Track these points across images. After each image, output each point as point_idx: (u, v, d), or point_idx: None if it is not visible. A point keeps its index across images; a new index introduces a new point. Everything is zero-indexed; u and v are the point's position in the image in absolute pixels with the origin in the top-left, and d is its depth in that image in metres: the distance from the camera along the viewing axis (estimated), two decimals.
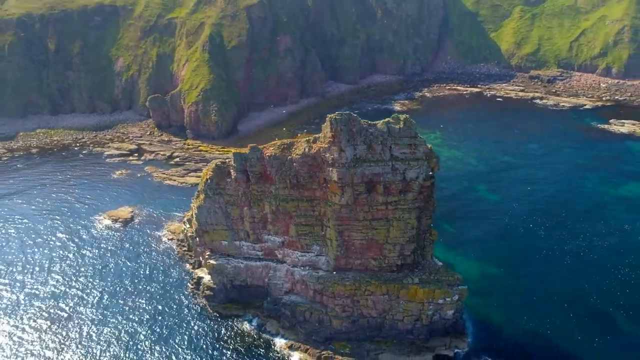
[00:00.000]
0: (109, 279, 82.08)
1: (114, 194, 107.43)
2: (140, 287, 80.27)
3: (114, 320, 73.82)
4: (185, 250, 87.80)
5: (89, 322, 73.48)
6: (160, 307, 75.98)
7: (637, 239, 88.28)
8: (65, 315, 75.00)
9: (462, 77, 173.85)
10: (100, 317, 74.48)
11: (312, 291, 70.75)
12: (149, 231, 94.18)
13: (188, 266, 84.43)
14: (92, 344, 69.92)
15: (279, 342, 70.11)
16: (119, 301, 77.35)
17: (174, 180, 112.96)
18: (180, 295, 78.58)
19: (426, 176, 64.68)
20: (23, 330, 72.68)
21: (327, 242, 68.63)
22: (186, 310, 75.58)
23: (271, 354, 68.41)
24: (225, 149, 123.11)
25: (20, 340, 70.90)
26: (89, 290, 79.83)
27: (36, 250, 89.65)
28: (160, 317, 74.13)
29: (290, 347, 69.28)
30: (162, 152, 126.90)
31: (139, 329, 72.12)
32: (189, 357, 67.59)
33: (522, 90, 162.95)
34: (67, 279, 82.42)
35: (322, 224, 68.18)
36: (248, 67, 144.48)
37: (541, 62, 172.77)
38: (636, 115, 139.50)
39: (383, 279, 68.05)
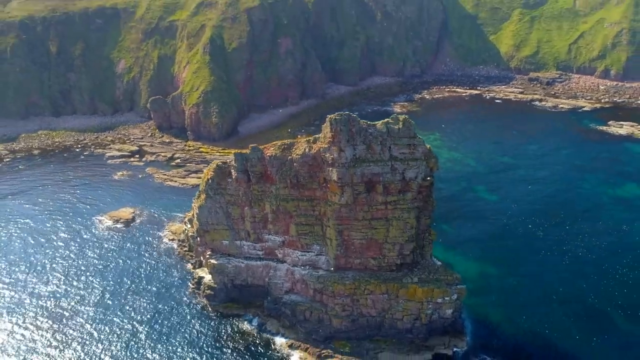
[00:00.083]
0: (110, 279, 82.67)
1: (115, 194, 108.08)
2: (142, 286, 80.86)
3: (115, 319, 74.38)
4: (186, 251, 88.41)
5: (90, 321, 74.04)
6: (161, 307, 76.54)
7: (634, 239, 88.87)
8: (67, 314, 75.56)
9: (462, 79, 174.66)
10: (101, 316, 75.05)
11: (312, 290, 71.32)
12: (150, 231, 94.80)
13: (189, 266, 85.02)
14: (93, 342, 70.45)
15: (279, 341, 70.61)
16: (121, 300, 77.92)
17: (175, 182, 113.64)
18: (181, 294, 79.15)
19: (425, 176, 65.35)
20: (26, 328, 73.24)
21: (327, 242, 69.24)
22: (187, 310, 76.14)
23: (271, 353, 68.91)
24: (226, 151, 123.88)
25: (23, 339, 71.48)
26: (90, 290, 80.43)
27: (38, 250, 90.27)
28: (161, 316, 74.68)
29: (291, 346, 69.77)
30: (163, 154, 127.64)
31: (140, 328, 72.67)
32: (190, 356, 68.09)
33: (521, 92, 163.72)
34: (68, 278, 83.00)
35: (322, 223, 68.80)
36: (249, 69, 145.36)
37: (540, 64, 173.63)
38: (634, 117, 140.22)
39: (382, 278, 68.62)
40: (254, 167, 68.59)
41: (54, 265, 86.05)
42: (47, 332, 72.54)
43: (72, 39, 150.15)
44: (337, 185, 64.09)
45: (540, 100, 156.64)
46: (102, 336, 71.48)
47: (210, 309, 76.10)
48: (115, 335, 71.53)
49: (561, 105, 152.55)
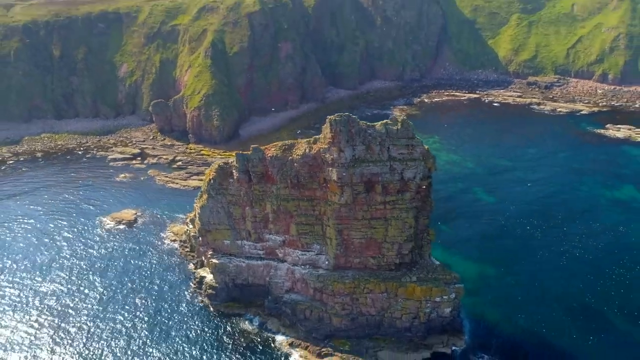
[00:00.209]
0: (112, 278, 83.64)
1: (118, 196, 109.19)
2: (144, 286, 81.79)
3: (117, 318, 75.28)
4: (187, 251, 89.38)
5: (92, 320, 74.93)
6: (163, 306, 77.45)
7: (631, 240, 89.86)
8: (69, 312, 76.50)
9: (461, 83, 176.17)
10: (103, 314, 75.96)
11: (312, 289, 72.24)
12: (152, 232, 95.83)
13: (191, 266, 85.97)
14: (96, 340, 71.34)
15: (280, 340, 71.42)
16: (123, 299, 78.84)
17: (177, 184, 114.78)
18: (183, 294, 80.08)
19: (423, 176, 66.44)
20: (30, 325, 74.20)
21: (327, 241, 70.23)
22: (189, 309, 77.04)
23: (272, 352, 69.69)
24: (227, 153, 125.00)
25: (27, 335, 72.39)
26: (92, 289, 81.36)
27: (42, 249, 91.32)
28: (163, 316, 75.56)
29: (291, 345, 70.54)
30: (164, 156, 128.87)
31: (142, 327, 73.55)
32: (191, 355, 68.91)
33: (519, 96, 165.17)
34: (71, 277, 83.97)
35: (322, 223, 69.84)
36: (249, 72, 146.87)
37: (538, 68, 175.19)
38: (632, 121, 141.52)
39: (382, 278, 69.57)
40: (255, 168, 69.74)
41: (57, 265, 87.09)
42: (50, 329, 73.49)
43: (75, 43, 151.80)
44: (337, 185, 65.19)
45: (539, 104, 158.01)
46: (104, 334, 72.37)
47: (211, 309, 77.01)
48: (117, 334, 72.41)
49: (559, 109, 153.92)
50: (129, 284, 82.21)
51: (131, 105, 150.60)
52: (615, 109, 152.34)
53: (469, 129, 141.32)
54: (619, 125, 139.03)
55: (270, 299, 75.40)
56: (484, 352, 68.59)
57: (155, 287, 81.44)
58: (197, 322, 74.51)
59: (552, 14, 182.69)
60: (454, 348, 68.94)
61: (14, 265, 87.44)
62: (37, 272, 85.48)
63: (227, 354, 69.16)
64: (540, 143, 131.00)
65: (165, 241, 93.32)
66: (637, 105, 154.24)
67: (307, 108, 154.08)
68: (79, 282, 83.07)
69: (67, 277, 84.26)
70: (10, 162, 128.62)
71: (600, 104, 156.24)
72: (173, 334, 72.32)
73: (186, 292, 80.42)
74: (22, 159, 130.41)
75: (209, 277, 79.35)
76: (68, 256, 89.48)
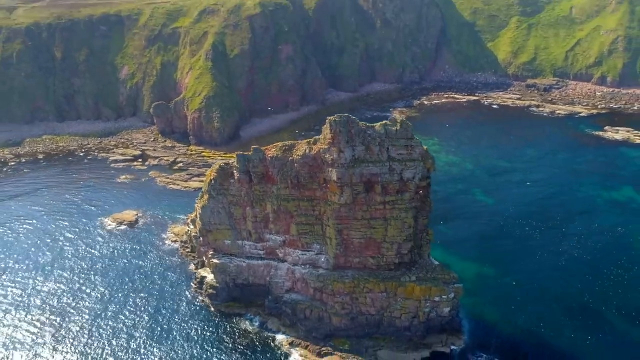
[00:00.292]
0: (113, 278, 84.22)
1: (119, 197, 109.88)
2: (144, 286, 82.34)
3: (118, 317, 75.79)
4: (188, 252, 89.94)
5: (92, 319, 75.44)
6: (164, 306, 77.97)
7: (629, 240, 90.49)
8: (70, 312, 77.04)
9: (460, 86, 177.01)
10: (104, 314, 76.47)
11: (312, 289, 72.77)
12: (153, 233, 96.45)
13: (191, 266, 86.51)
14: (97, 340, 71.84)
15: (280, 339, 71.86)
16: (124, 299, 79.39)
17: (178, 185, 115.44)
18: (184, 294, 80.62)
19: (422, 176, 67.08)
20: (32, 324, 74.72)
21: (327, 241, 70.81)
22: (189, 309, 77.53)
23: (272, 351, 70.15)
24: (228, 155, 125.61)
25: (29, 334, 72.93)
26: (93, 289, 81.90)
27: (44, 249, 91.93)
28: (163, 315, 76.08)
29: (291, 344, 70.96)
30: (165, 158, 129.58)
31: (142, 327, 74.06)
32: (192, 355, 69.35)
33: (518, 99, 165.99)
34: (73, 277, 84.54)
35: (322, 223, 70.43)
36: (250, 75, 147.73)
37: (537, 71, 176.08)
38: (630, 123, 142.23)
39: (381, 277, 70.11)
40: (256, 168, 70.40)
41: (59, 264, 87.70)
42: (52, 328, 74.04)
43: (77, 45, 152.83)
44: (337, 185, 65.82)
45: (538, 106, 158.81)
46: (105, 334, 72.88)
47: (212, 308, 77.52)
48: (118, 333, 72.91)
49: (558, 111, 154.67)
50: (130, 284, 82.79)
51: (132, 107, 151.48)
52: (614, 111, 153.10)
53: (468, 131, 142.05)
54: (617, 127, 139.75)
55: (270, 299, 75.92)
56: (483, 351, 69.06)
57: (156, 287, 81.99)
58: (197, 322, 75.02)
59: (551, 17, 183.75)
60: (452, 347, 69.41)
61: (16, 265, 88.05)
62: (39, 272, 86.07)
63: (228, 353, 69.65)
64: (539, 145, 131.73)
65: (166, 242, 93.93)
66: (635, 108, 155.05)
67: (307, 110, 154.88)
68: (81, 281, 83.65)
69: (68, 276, 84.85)
70: (12, 163, 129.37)
71: (598, 106, 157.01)
72: (174, 333, 72.82)
73: (187, 292, 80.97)
74: (23, 160, 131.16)
75: (210, 277, 79.90)
76: (69, 256, 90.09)
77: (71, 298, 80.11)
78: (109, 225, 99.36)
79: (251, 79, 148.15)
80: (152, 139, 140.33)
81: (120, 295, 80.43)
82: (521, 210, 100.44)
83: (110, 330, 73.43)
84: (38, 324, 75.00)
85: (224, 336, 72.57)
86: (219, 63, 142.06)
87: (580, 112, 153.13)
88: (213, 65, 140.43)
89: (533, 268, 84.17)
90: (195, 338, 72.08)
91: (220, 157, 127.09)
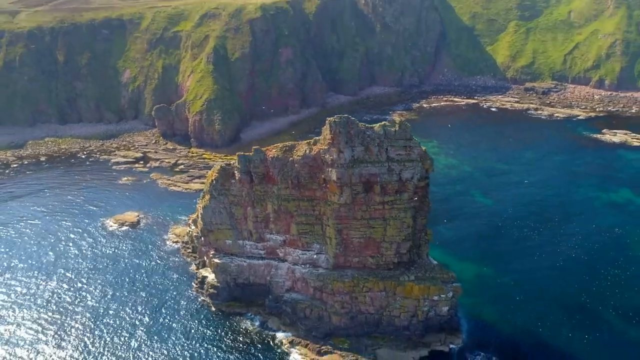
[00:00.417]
0: (115, 278, 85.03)
1: (121, 198, 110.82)
2: (146, 286, 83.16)
3: (120, 317, 76.57)
4: (189, 252, 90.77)
5: (95, 319, 76.22)
6: (165, 305, 78.74)
7: (626, 241, 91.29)
8: (73, 310, 77.85)
9: (459, 89, 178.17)
10: (105, 313, 77.25)
11: (312, 288, 73.55)
12: (154, 234, 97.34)
13: (192, 267, 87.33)
14: (98, 338, 72.60)
15: (280, 338, 72.57)
16: (125, 299, 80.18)
17: (179, 187, 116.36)
18: (185, 293, 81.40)
19: (421, 177, 67.99)
20: (35, 322, 75.53)
21: (327, 241, 71.64)
22: (190, 308, 78.29)
23: (272, 350, 70.86)
24: (228, 157, 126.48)
25: (32, 331, 73.71)
26: (95, 289, 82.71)
27: (46, 249, 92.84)
28: (165, 315, 76.83)
29: (291, 343, 71.68)
30: (167, 160, 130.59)
31: (144, 326, 74.80)
32: (193, 354, 70.05)
33: (517, 102, 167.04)
34: (75, 277, 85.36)
35: (322, 222, 71.29)
36: (251, 78, 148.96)
37: (536, 74, 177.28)
38: (628, 126, 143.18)
39: (380, 276, 70.92)
40: (257, 168, 71.35)
41: (61, 264, 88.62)
42: (55, 326, 74.87)
43: (79, 49, 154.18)
44: (337, 186, 66.73)
45: (536, 109, 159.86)
46: (106, 333, 73.63)
47: (213, 308, 78.27)
48: (120, 332, 73.65)
49: (556, 114, 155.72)
50: (132, 284, 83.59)
51: (134, 110, 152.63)
52: (612, 114, 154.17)
53: (467, 134, 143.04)
54: (615, 130, 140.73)
55: (271, 298, 76.66)
56: (481, 350, 69.76)
57: (158, 287, 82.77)
58: (198, 321, 75.76)
59: (549, 21, 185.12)
60: (451, 346, 70.16)
61: (20, 264, 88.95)
62: (42, 271, 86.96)
63: (228, 352, 70.35)
64: (537, 147, 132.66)
65: (168, 242, 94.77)
66: (633, 111, 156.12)
67: (307, 113, 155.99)
68: (83, 281, 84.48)
69: (71, 276, 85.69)
70: (15, 165, 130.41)
71: (597, 110, 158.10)
72: (175, 332, 73.55)
73: (188, 292, 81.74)
74: (26, 162, 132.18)
75: (211, 277, 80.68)
76: (72, 256, 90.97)
77: (73, 297, 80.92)
78: (111, 226, 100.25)
79: (252, 82, 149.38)
80: (153, 142, 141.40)
81: (122, 294, 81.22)
82: (519, 211, 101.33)
83: (112, 329, 74.18)
84: (41, 322, 75.80)
85: (225, 335, 73.30)
86: (220, 66, 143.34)
87: (578, 115, 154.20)
88: (214, 68, 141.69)
89: (531, 268, 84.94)
90: (196, 337, 72.80)
91: (221, 160, 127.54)
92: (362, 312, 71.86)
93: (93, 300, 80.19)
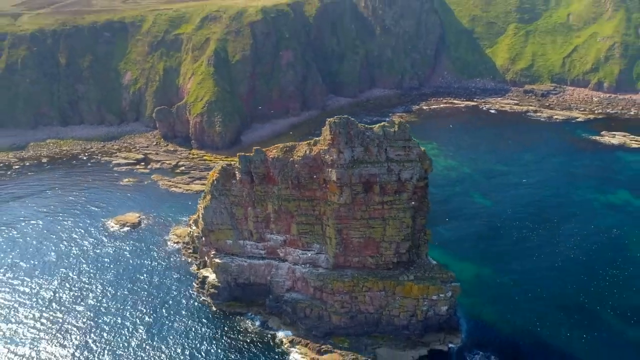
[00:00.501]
0: (117, 278, 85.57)
1: (122, 199, 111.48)
2: (147, 285, 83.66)
3: (121, 316, 77.09)
4: (190, 252, 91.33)
5: (96, 318, 76.78)
6: (166, 305, 79.26)
7: (624, 242, 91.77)
8: (74, 309, 78.43)
9: (459, 91, 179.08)
10: (107, 313, 77.76)
11: (312, 288, 74.07)
12: (155, 234, 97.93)
13: (193, 267, 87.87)
14: (99, 338, 73.12)
15: (281, 338, 73.05)
16: (126, 299, 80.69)
17: (180, 188, 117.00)
18: (186, 293, 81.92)
19: (420, 177, 68.61)
20: (37, 321, 76.10)
21: (327, 241, 72.20)
22: (191, 308, 78.79)
23: (273, 349, 71.35)
24: (229, 159, 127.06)
25: (34, 330, 74.25)
26: (96, 288, 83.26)
27: (48, 249, 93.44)
28: (166, 315, 77.33)
29: (292, 342, 72.19)
30: (167, 162, 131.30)
31: (145, 325, 75.30)
32: (194, 354, 70.52)
33: (516, 104, 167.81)
34: (76, 277, 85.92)
35: (322, 222, 71.87)
36: (251, 80, 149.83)
37: (535, 77, 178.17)
38: (627, 128, 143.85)
39: (380, 276, 71.45)
40: (257, 169, 72.00)
41: (63, 264, 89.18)
42: (56, 325, 75.43)
43: (81, 52, 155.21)
44: (336, 186, 67.35)
45: (535, 112, 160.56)
46: (107, 332, 74.16)
47: (213, 308, 78.79)
48: (120, 331, 74.17)
49: (555, 116, 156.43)
50: (133, 284, 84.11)
51: (135, 112, 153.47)
52: (611, 117, 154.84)
53: (466, 136, 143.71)
54: (614, 132, 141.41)
55: (271, 298, 77.16)
56: (480, 349, 70.26)
57: (159, 287, 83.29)
58: (199, 321, 76.24)
59: (548, 24, 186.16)
60: (450, 345, 70.66)
61: (22, 264, 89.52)
62: (44, 271, 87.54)
63: (229, 351, 70.82)
64: (536, 149, 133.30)
65: (169, 243, 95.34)
66: (631, 113, 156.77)
67: (308, 115, 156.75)
68: (84, 281, 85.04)
69: (72, 276, 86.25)
70: (16, 166, 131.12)
71: (595, 112, 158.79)
72: (176, 332, 74.04)
73: (189, 292, 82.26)
74: (27, 163, 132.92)
75: (212, 277, 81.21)
76: (73, 256, 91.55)
77: (75, 297, 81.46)
78: (113, 226, 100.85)
79: (252, 84, 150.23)
80: (154, 143, 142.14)
81: (122, 294, 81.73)
82: (519, 212, 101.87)
83: (113, 329, 74.69)
84: (42, 321, 76.36)
85: (225, 335, 73.78)
86: (220, 69, 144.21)
87: (577, 117, 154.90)
88: (215, 70, 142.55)
89: (530, 268, 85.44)
90: (197, 337, 73.27)
91: (221, 161, 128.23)
92: (362, 312, 72.36)
93: (94, 300, 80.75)
